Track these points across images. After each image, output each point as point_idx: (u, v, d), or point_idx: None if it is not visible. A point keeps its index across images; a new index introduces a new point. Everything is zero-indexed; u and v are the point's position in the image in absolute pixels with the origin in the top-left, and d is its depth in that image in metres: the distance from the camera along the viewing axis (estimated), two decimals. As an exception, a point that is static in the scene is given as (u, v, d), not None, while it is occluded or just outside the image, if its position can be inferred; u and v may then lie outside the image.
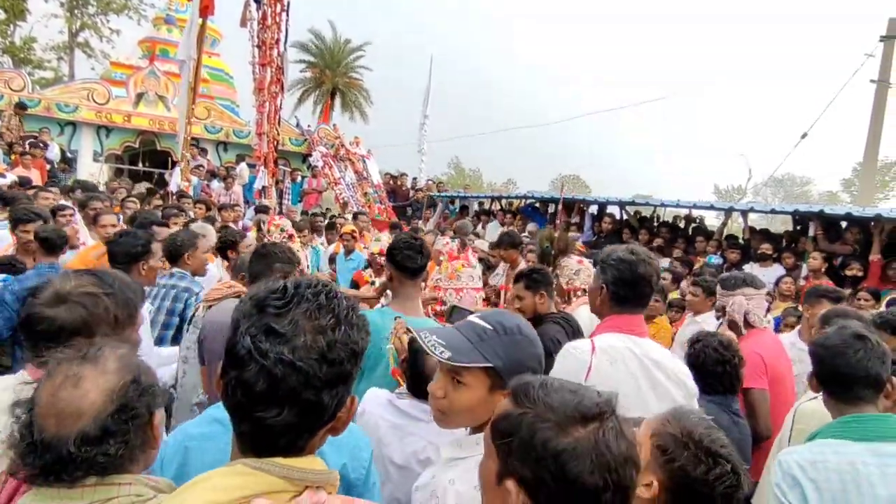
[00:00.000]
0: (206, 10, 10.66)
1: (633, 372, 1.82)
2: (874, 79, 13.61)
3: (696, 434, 1.22)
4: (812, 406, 2.18)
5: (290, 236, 5.39)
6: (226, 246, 4.23)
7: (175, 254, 3.46)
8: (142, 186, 11.03)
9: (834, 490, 1.42)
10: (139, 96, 14.10)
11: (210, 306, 2.69)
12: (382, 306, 2.86)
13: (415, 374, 1.82)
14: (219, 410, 1.41)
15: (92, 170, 13.42)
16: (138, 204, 6.97)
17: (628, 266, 1.92)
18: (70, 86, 14.35)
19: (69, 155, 13.18)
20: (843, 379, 1.60)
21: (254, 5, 11.61)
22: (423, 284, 3.10)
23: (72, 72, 24.50)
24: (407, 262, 2.35)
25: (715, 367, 2.34)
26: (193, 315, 2.75)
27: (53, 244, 3.34)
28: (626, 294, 1.94)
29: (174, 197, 8.68)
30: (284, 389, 0.82)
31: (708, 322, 3.99)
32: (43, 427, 0.98)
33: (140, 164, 14.94)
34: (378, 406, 1.83)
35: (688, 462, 1.20)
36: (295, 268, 2.41)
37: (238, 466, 0.85)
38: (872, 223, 6.57)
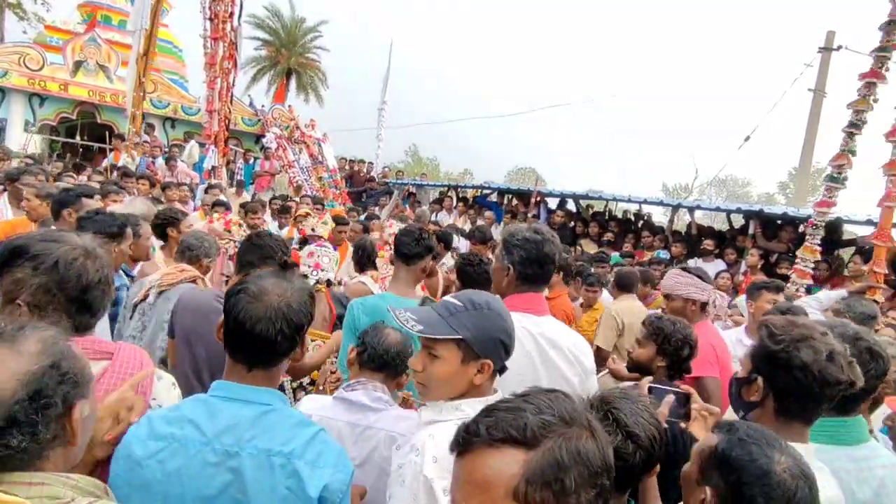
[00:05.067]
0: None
1: (528, 351, 1.85)
2: (811, 88, 14.42)
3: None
4: None
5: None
6: (165, 223, 3.77)
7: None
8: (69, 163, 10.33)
9: None
10: (77, 64, 13.22)
11: (162, 291, 2.58)
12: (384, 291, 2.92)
13: (373, 355, 1.83)
14: (195, 408, 1.30)
15: (23, 140, 12.51)
16: (76, 179, 6.56)
17: (534, 246, 1.93)
18: (-1, 49, 13.31)
19: (-3, 124, 12.27)
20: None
21: (206, -25, 11.08)
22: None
23: (1, 34, 22.68)
24: (401, 248, 2.57)
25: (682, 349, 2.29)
26: (141, 302, 2.61)
27: None
28: (533, 273, 1.95)
29: (116, 173, 8.21)
30: None
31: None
32: None
33: (77, 137, 14.04)
34: (325, 409, 1.79)
35: None
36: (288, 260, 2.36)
37: None
38: (805, 223, 6.98)
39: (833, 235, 7.06)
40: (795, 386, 1.35)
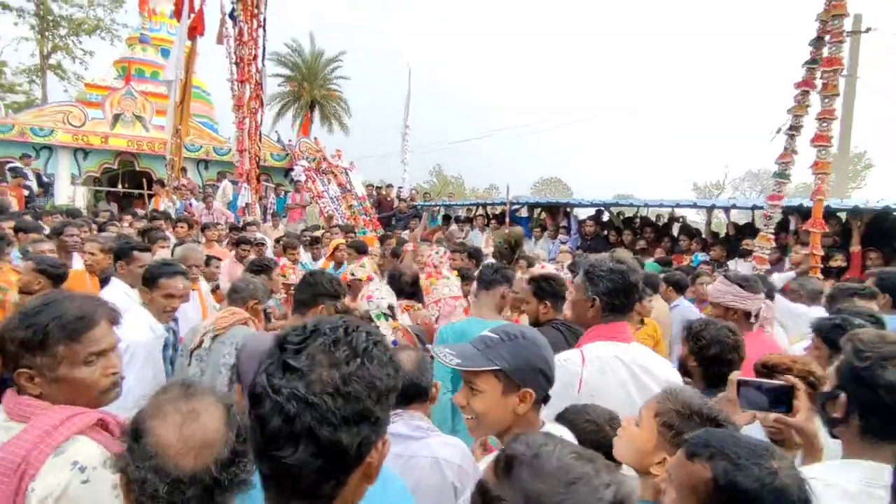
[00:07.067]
0: (194, 31, 10.58)
1: (623, 380, 1.84)
2: (843, 73, 13.98)
3: (695, 405, 1.36)
4: None
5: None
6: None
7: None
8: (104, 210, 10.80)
9: None
10: (116, 117, 13.93)
11: (216, 336, 2.66)
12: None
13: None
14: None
15: (70, 193, 13.20)
16: (120, 228, 6.85)
17: (620, 276, 1.97)
18: (44, 109, 14.12)
19: (45, 179, 12.95)
20: None
21: (230, 22, 11.57)
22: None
23: (44, 94, 24.08)
24: (481, 275, 3.07)
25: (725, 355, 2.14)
26: (196, 348, 2.70)
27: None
28: (619, 303, 1.98)
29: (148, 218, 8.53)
30: (299, 426, 0.79)
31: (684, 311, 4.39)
32: (180, 464, 1.00)
33: (119, 186, 14.73)
34: None
35: (693, 431, 1.27)
36: (342, 298, 2.43)
37: None
38: (851, 215, 6.72)
39: (883, 224, 6.77)
40: (880, 405, 1.29)
